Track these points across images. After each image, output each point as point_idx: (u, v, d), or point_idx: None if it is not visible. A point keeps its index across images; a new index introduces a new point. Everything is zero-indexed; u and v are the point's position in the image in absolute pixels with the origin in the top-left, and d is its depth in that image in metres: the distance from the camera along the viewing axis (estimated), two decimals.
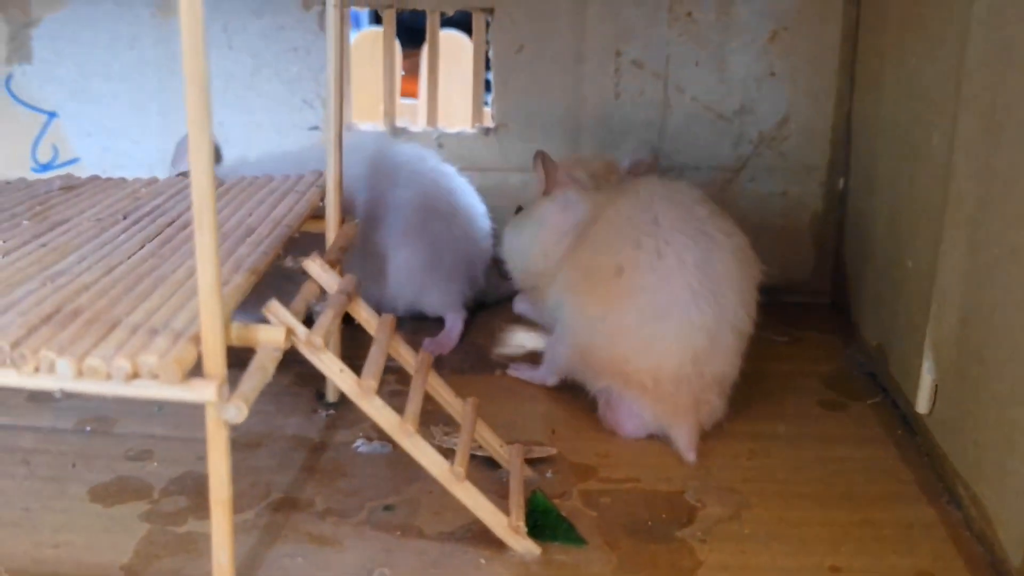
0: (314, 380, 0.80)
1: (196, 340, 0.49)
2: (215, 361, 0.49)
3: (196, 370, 0.49)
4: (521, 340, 0.92)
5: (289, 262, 0.65)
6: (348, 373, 0.57)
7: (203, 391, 0.48)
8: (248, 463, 0.69)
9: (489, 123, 0.98)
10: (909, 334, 0.76)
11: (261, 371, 0.52)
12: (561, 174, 0.80)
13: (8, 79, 0.98)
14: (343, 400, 0.78)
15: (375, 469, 0.69)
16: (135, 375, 0.48)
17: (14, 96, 0.98)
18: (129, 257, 0.62)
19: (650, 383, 0.71)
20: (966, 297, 0.66)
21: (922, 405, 0.72)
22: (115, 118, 0.98)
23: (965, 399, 0.66)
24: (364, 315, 0.65)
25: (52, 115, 0.99)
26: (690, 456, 0.71)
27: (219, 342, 0.49)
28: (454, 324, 0.91)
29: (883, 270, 0.83)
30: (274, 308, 0.56)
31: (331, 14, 0.70)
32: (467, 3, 0.95)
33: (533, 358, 0.87)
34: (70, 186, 0.78)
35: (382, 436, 0.73)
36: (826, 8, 0.93)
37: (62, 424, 0.74)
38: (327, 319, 0.58)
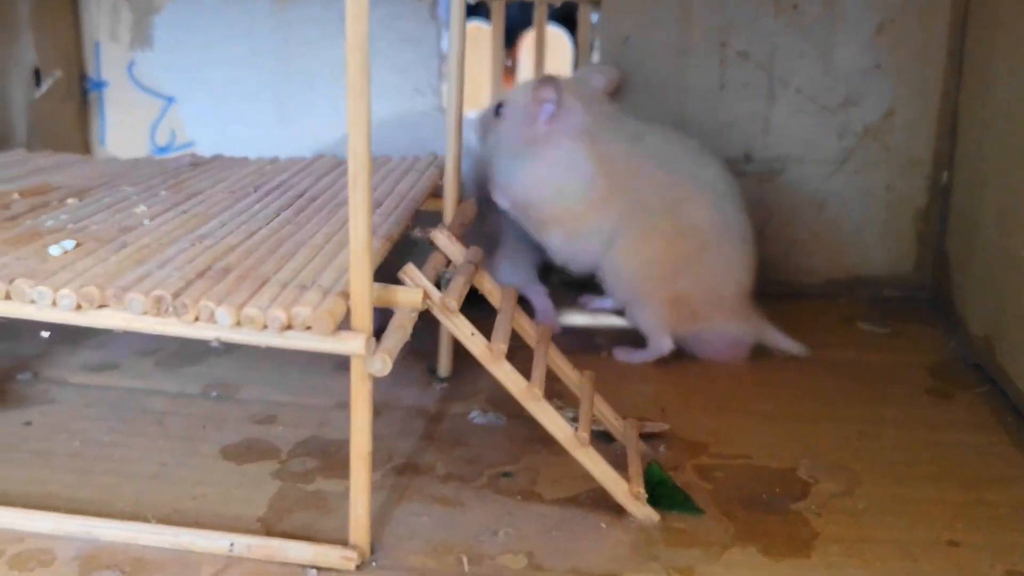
0: (425, 356, 0.82)
1: (344, 296, 0.52)
2: (363, 315, 0.51)
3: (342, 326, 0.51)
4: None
5: (417, 232, 0.67)
6: (479, 337, 0.59)
7: (352, 343, 0.51)
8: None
9: None
10: (1020, 324, 0.76)
11: (401, 329, 0.54)
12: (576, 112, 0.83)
13: (131, 65, 1.02)
14: (455, 374, 0.80)
15: (492, 439, 0.71)
16: (289, 326, 0.50)
17: (136, 81, 1.03)
18: (267, 223, 0.64)
19: (738, 304, 0.84)
20: None
21: None
22: (230, 104, 1.02)
23: None
24: (487, 286, 0.67)
25: (170, 100, 1.03)
26: (801, 348, 0.85)
27: (367, 297, 0.51)
28: (544, 305, 0.92)
29: (992, 262, 0.83)
30: (410, 272, 0.58)
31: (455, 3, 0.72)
32: None
33: (629, 338, 0.89)
34: (198, 163, 0.81)
35: (497, 408, 0.75)
36: (934, 0, 0.93)
37: (189, 389, 0.77)
38: (459, 284, 0.60)
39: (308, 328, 0.50)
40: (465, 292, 0.61)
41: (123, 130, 1.04)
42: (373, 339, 0.51)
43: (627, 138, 0.83)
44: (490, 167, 0.86)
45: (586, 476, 0.62)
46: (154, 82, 1.02)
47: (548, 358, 0.66)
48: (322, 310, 0.50)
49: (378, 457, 0.67)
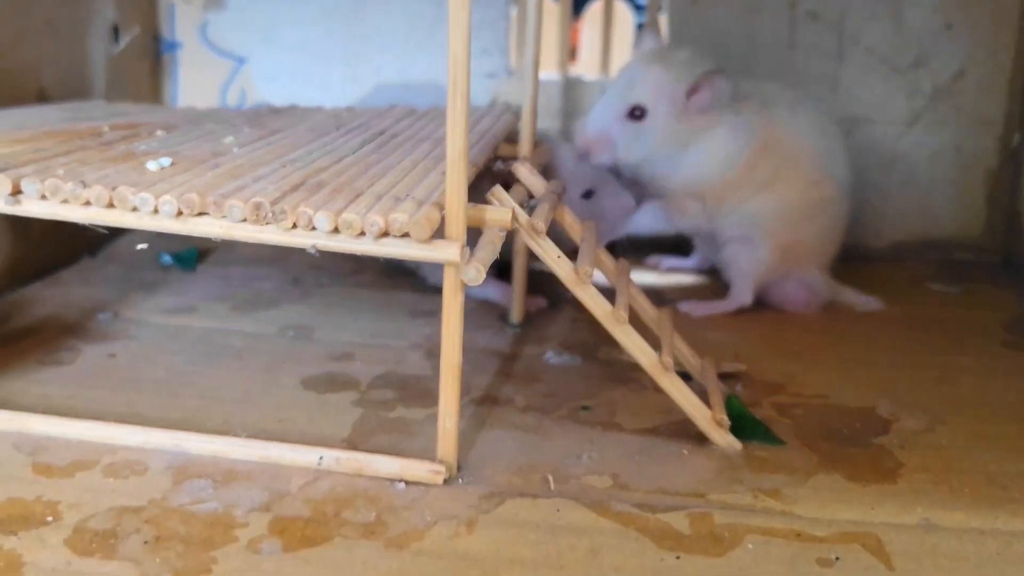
0: (497, 306, 0.83)
1: (439, 206, 0.52)
2: (457, 225, 0.52)
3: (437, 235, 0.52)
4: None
5: (500, 164, 0.67)
6: (565, 260, 0.59)
7: (447, 251, 0.51)
8: None
9: None
10: None
11: (491, 244, 0.55)
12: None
13: (204, 26, 1.04)
14: (527, 321, 0.81)
15: (568, 377, 0.71)
16: (386, 233, 0.51)
17: (208, 42, 1.04)
18: (354, 152, 0.65)
19: (827, 260, 0.87)
20: None
21: None
22: (301, 65, 1.03)
23: None
24: (568, 219, 0.67)
25: (242, 61, 1.04)
26: (875, 302, 0.86)
27: (462, 207, 0.52)
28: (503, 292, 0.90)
29: None
30: (498, 193, 0.58)
31: None
32: None
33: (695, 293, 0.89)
34: (276, 110, 0.82)
35: (571, 350, 0.75)
36: None
37: (266, 330, 0.78)
38: (545, 209, 0.61)
39: (405, 235, 0.51)
40: (550, 216, 0.61)
41: (195, 90, 1.05)
42: (467, 248, 0.52)
43: (760, 100, 0.83)
44: (640, 169, 0.82)
45: (665, 410, 0.62)
46: (226, 43, 1.04)
47: (628, 293, 0.66)
48: (419, 217, 0.50)
49: None
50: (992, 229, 0.98)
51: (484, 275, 0.52)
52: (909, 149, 0.97)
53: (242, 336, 0.76)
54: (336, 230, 0.51)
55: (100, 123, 0.73)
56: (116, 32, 0.97)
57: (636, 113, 0.80)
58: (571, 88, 1.00)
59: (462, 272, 0.52)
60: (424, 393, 0.67)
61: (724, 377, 0.70)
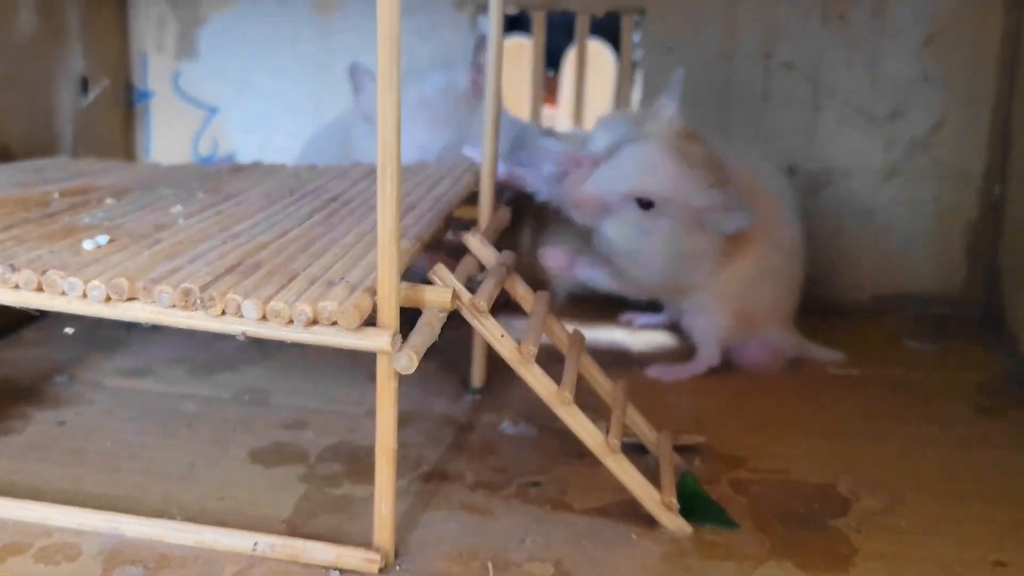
0: (458, 368, 0.81)
1: (371, 292, 0.51)
2: (389, 312, 0.51)
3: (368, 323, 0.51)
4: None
5: (450, 235, 0.66)
6: (508, 339, 0.58)
7: (378, 339, 0.50)
8: (399, 438, 0.70)
9: None
10: None
11: (428, 327, 0.54)
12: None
13: (176, 76, 1.03)
14: (487, 386, 0.79)
15: (522, 449, 0.70)
16: (315, 321, 0.49)
17: (181, 92, 1.04)
18: (300, 224, 0.64)
19: (788, 317, 0.85)
20: None
21: None
22: (273, 113, 1.03)
23: None
24: (520, 291, 0.66)
25: (214, 111, 1.04)
26: (836, 355, 0.85)
27: (394, 293, 0.50)
28: None
29: None
30: (440, 272, 0.57)
31: (493, 13, 0.72)
32: (618, 4, 0.96)
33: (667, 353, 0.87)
34: (237, 168, 0.81)
35: (528, 419, 0.74)
36: (985, 10, 0.91)
37: (222, 394, 0.77)
38: (490, 286, 0.59)
39: (334, 323, 0.49)
40: (495, 294, 0.60)
41: (168, 140, 1.05)
42: (399, 336, 0.51)
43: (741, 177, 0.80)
44: (613, 249, 0.79)
45: (617, 488, 0.61)
46: (198, 92, 1.03)
47: (580, 365, 0.65)
48: (348, 305, 0.49)
49: (406, 464, 0.66)
50: (972, 283, 0.96)
51: (416, 363, 0.51)
52: (887, 201, 0.96)
53: (196, 401, 0.75)
54: (264, 318, 0.50)
55: (52, 187, 0.72)
56: (85, 84, 0.96)
57: (644, 203, 0.76)
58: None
59: (394, 361, 0.51)
60: (372, 467, 0.65)
61: (683, 450, 0.69)
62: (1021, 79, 0.89)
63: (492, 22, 0.71)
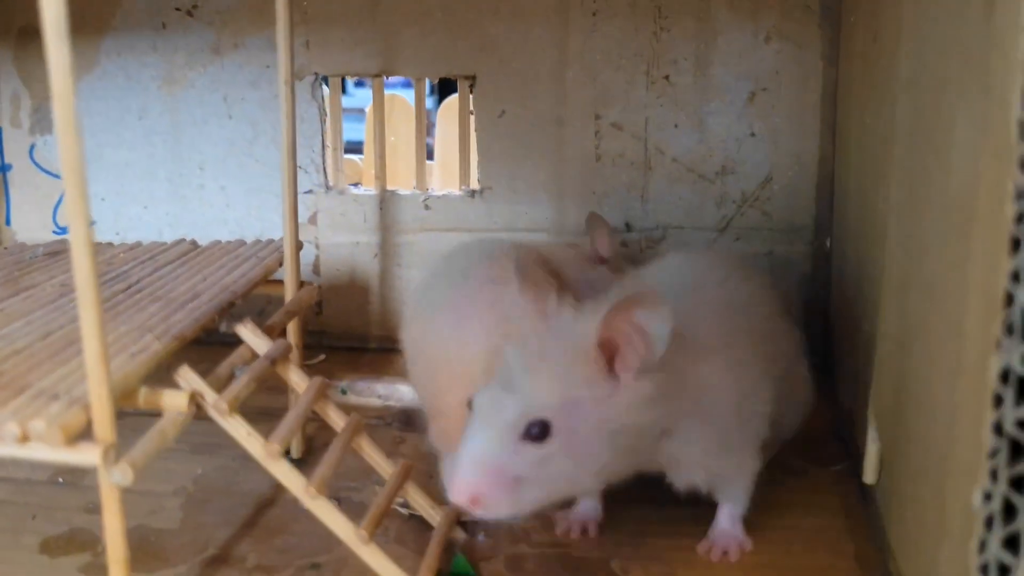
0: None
1: (87, 408, 0.52)
2: (103, 426, 0.52)
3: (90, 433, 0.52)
4: None
5: (223, 327, 0.68)
6: (256, 437, 0.59)
7: (89, 455, 0.51)
8: (195, 519, 0.72)
9: (475, 186, 1.00)
10: (864, 399, 0.74)
11: (159, 435, 0.55)
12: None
13: (32, 148, 1.05)
14: (306, 457, 0.81)
15: (314, 527, 0.70)
16: (26, 439, 0.51)
17: (37, 164, 1.06)
18: (72, 322, 0.66)
19: None
20: (899, 364, 0.64)
21: (869, 474, 0.70)
22: (126, 185, 1.04)
23: (902, 472, 0.64)
24: (294, 379, 0.68)
25: None
26: None
27: (107, 408, 0.52)
28: None
29: (849, 333, 0.82)
30: (184, 373, 0.59)
31: (283, 91, 0.74)
32: (450, 71, 0.97)
33: None
34: (54, 251, 0.83)
35: (334, 493, 0.75)
36: (805, 69, 0.93)
37: (37, 476, 0.78)
38: (240, 384, 0.61)
39: (43, 440, 0.51)
40: (249, 390, 0.61)
41: (27, 211, 1.07)
42: (115, 449, 0.52)
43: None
44: None
45: None
46: (55, 165, 1.05)
47: (357, 446, 0.67)
48: (55, 424, 0.51)
49: (192, 548, 0.68)
50: (810, 334, 0.97)
51: (132, 476, 0.52)
52: None
53: (7, 485, 0.77)
54: None
55: None
56: None
57: (535, 435, 0.55)
58: (388, 202, 1.01)
59: (109, 475, 0.52)
60: (157, 554, 0.67)
61: (470, 525, 0.70)
62: (840, 135, 0.90)
63: (283, 96, 0.73)
